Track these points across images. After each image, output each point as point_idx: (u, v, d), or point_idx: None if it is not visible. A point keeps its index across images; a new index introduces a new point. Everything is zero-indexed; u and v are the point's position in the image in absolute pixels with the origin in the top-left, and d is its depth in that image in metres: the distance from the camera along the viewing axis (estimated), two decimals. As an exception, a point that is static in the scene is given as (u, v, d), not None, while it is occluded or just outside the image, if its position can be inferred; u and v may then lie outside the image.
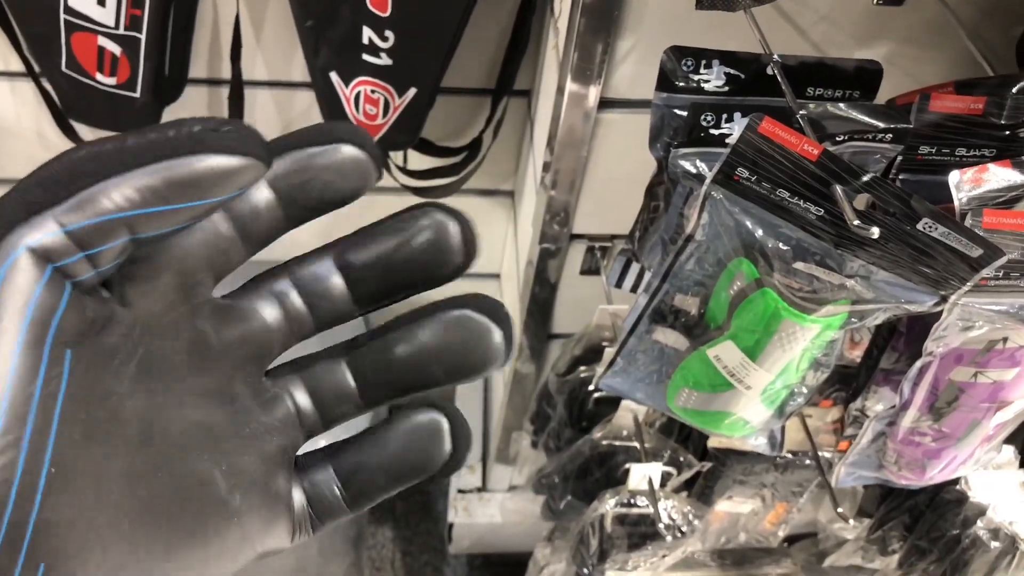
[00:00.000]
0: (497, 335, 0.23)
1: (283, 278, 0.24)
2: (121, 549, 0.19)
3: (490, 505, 1.28)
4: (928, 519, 0.78)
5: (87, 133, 1.00)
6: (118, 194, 0.18)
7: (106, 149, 0.18)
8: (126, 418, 0.20)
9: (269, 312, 0.23)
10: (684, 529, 0.74)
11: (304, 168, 0.21)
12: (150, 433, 0.20)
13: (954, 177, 0.47)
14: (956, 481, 0.75)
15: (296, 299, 0.23)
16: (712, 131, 0.52)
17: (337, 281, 0.23)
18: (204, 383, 0.22)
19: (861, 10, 0.72)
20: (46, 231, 0.17)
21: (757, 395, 0.56)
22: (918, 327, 0.58)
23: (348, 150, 0.22)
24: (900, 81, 0.75)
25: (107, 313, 0.20)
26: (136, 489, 0.20)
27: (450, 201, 1.15)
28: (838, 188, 0.45)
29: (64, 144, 1.01)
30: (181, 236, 0.21)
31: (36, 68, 0.95)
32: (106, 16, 0.85)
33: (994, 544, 0.73)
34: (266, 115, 1.07)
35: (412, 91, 0.89)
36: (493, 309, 0.23)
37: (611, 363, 0.62)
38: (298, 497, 0.24)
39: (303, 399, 0.24)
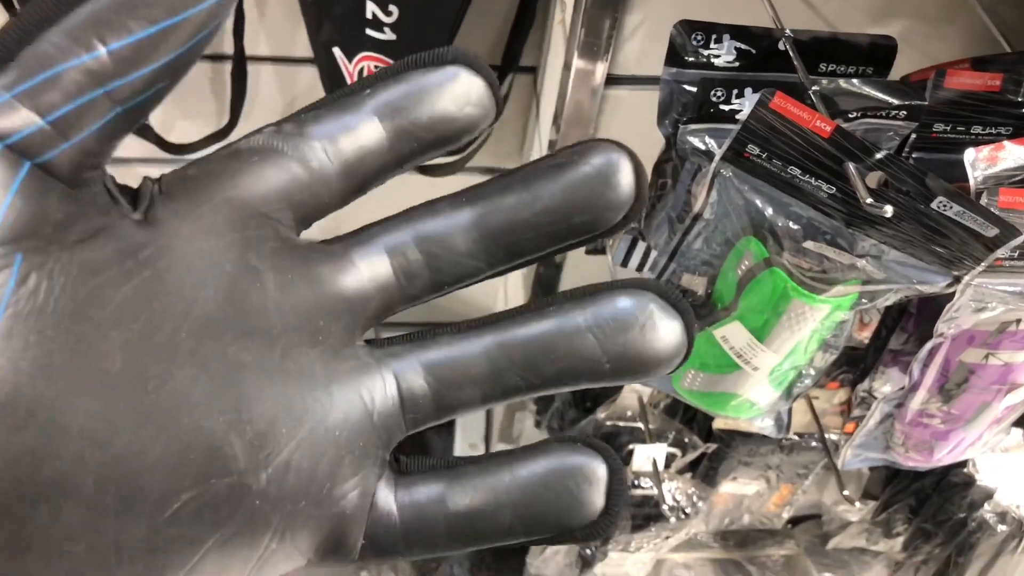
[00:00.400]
0: (675, 331, 0.19)
1: (400, 227, 0.19)
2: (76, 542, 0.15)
3: (493, 485, 1.28)
4: (934, 502, 0.77)
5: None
6: (65, 36, 0.15)
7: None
8: (104, 354, 0.15)
9: (372, 264, 0.19)
10: (688, 510, 0.73)
11: (417, 94, 0.18)
12: (139, 381, 0.16)
13: (969, 155, 0.46)
14: (963, 464, 0.75)
15: (413, 252, 0.19)
16: (722, 107, 0.51)
17: (468, 232, 0.19)
18: (244, 337, 0.17)
19: (874, -15, 0.71)
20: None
21: (764, 376, 0.56)
22: (929, 308, 0.57)
23: (467, 76, 0.18)
24: (914, 58, 0.73)
25: (99, 222, 0.16)
26: (106, 449, 0.15)
27: (454, 179, 1.14)
28: (851, 165, 0.44)
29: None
30: (250, 162, 0.18)
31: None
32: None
33: (1001, 527, 0.73)
34: (269, 91, 1.06)
35: (416, 67, 0.88)
36: (670, 295, 0.19)
37: (616, 343, 0.61)
38: (363, 512, 0.19)
39: (414, 378, 0.19)
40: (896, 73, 0.55)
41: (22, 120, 0.14)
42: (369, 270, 0.19)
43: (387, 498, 0.19)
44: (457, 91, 0.18)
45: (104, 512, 0.15)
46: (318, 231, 0.19)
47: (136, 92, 0.16)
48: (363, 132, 0.18)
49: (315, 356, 0.18)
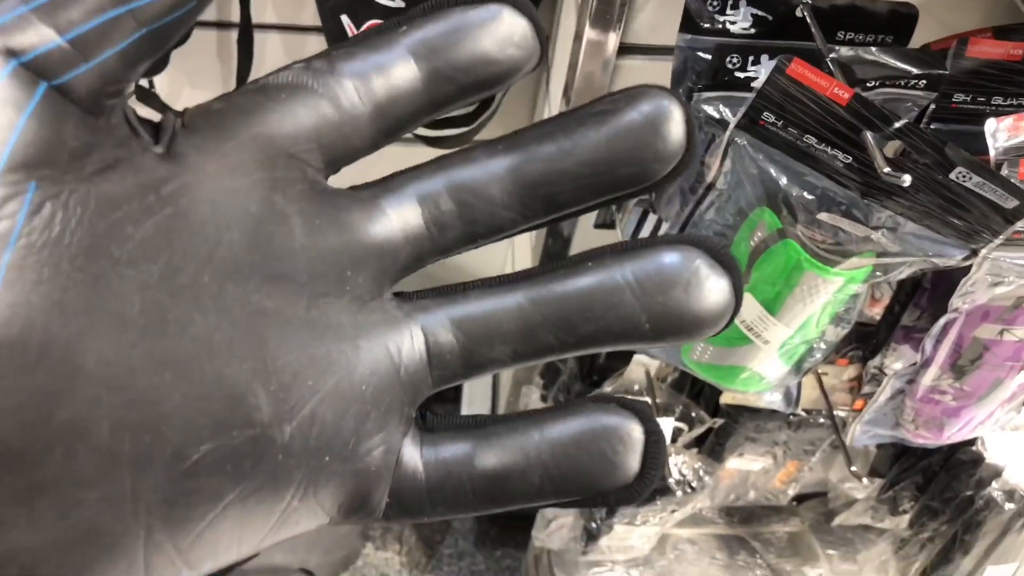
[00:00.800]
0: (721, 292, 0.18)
1: (432, 174, 0.18)
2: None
3: (498, 459, 1.28)
4: (942, 479, 0.77)
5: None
6: None
7: None
8: (122, 294, 0.15)
9: (403, 213, 0.18)
10: (694, 485, 0.73)
11: (456, 33, 0.17)
12: (158, 324, 0.15)
13: (990, 125, 0.45)
14: (972, 442, 0.74)
15: (446, 201, 0.18)
16: (737, 74, 0.50)
17: (505, 181, 0.18)
18: (269, 283, 0.16)
19: (893, -46, 0.69)
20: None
21: (774, 350, 0.55)
22: (944, 283, 0.56)
23: (510, 16, 0.17)
24: (935, 28, 0.72)
25: (119, 153, 0.15)
26: (123, 394, 0.15)
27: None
28: (868, 134, 0.43)
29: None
30: (278, 99, 0.17)
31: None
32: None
33: (1008, 505, 0.72)
34: (276, 60, 1.05)
35: (425, 35, 0.87)
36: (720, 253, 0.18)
37: (625, 315, 0.60)
38: (388, 470, 0.18)
39: (443, 333, 0.18)
40: (917, 42, 0.54)
41: (39, 36, 0.13)
42: (400, 219, 0.18)
43: (413, 456, 0.18)
44: (499, 31, 0.17)
45: (120, 460, 0.15)
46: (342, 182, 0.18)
47: (162, 12, 0.14)
48: (397, 72, 0.17)
49: (342, 307, 0.17)
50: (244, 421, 0.16)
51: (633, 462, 0.18)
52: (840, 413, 0.77)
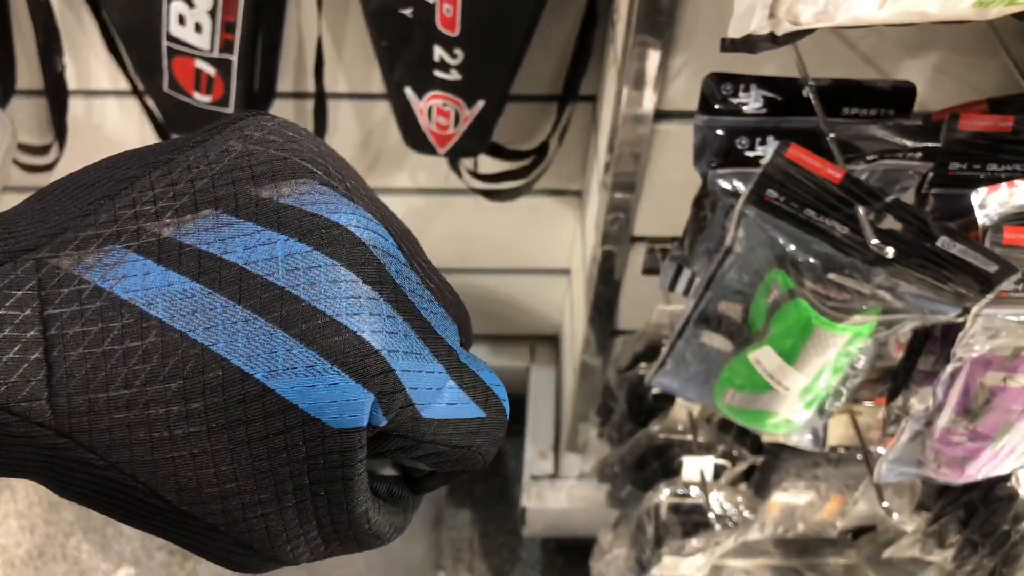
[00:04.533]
0: None
1: None
2: None
3: (561, 492, 1.34)
4: (981, 514, 0.80)
5: (186, 145, 1.09)
6: None
7: None
8: None
9: None
10: (735, 519, 0.77)
11: None
12: None
13: (977, 196, 0.50)
14: (1007, 478, 0.77)
15: None
16: (747, 153, 0.56)
17: None
18: None
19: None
20: None
21: (796, 396, 0.60)
22: (952, 332, 0.60)
23: None
24: (952, 88, 0.76)
25: None
26: None
27: (520, 201, 1.19)
28: (860, 209, 0.48)
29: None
30: None
31: (141, 88, 1.04)
32: (202, 42, 0.93)
33: (1044, 540, 0.75)
34: (347, 124, 1.14)
35: (481, 103, 0.95)
36: None
37: (661, 364, 0.66)
38: None
39: None
40: (934, 99, 0.58)
41: None
42: None
43: None
44: None
45: None
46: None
47: None
48: None
49: None
50: None
51: None
52: (880, 450, 0.81)
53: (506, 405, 0.26)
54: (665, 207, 0.91)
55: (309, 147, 0.23)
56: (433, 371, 0.24)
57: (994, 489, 0.79)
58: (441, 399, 0.24)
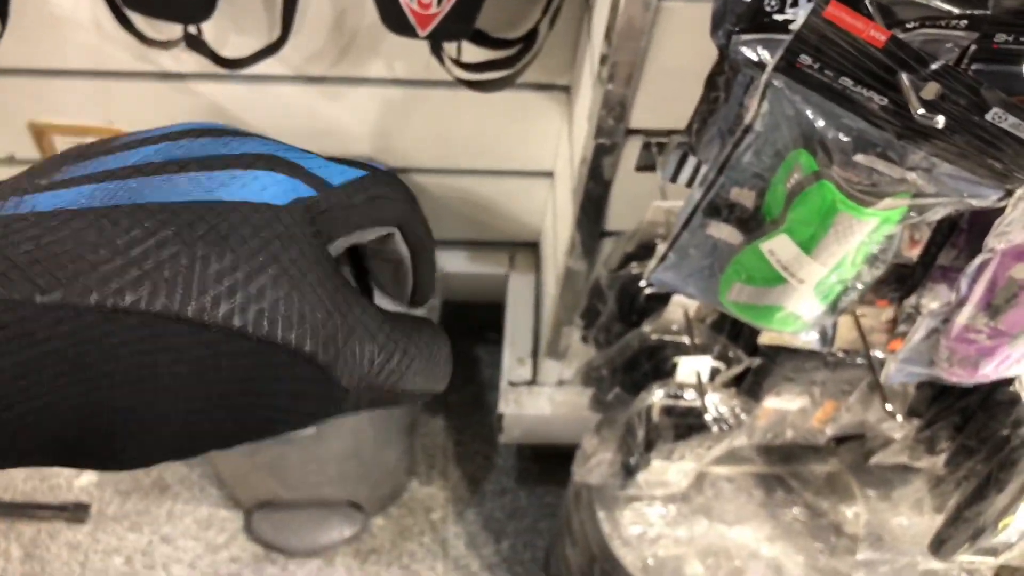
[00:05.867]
0: None
1: None
2: None
3: (540, 398, 1.31)
4: (979, 419, 0.78)
5: (142, 23, 1.01)
6: None
7: None
8: None
9: None
10: (730, 422, 0.75)
11: None
12: None
13: (1029, 67, 0.45)
14: (1009, 382, 0.75)
15: None
16: (776, 16, 0.50)
17: None
18: None
19: None
20: None
21: (810, 289, 0.56)
22: (980, 224, 0.57)
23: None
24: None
25: None
26: None
27: (503, 96, 1.13)
28: (904, 76, 0.43)
29: (119, 33, 1.02)
30: None
31: (93, -44, 0.95)
32: (160, -99, 0.84)
33: (1044, 445, 0.73)
34: (319, 4, 1.06)
35: (467, -21, 0.88)
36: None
37: (663, 257, 0.62)
38: None
39: None
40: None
41: None
42: None
43: None
44: None
45: None
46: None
47: None
48: None
49: None
50: None
51: None
52: (878, 354, 0.78)
53: None
54: (664, 97, 0.85)
55: None
56: None
57: (994, 394, 0.77)
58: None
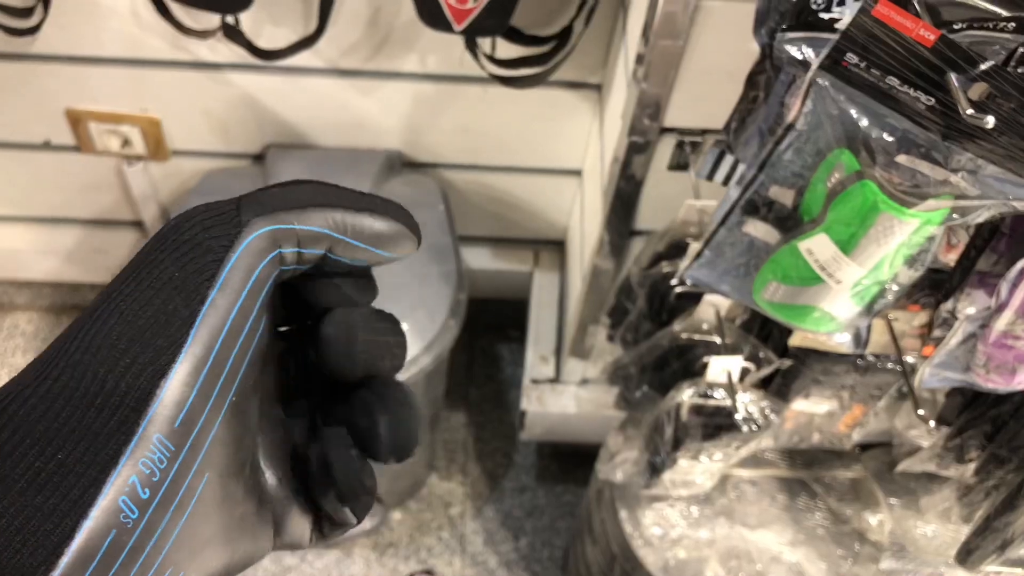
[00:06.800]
0: None
1: None
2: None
3: (563, 396, 1.31)
4: (1011, 428, 0.77)
5: (180, 12, 1.02)
6: (331, 218, 0.24)
7: (329, 188, 0.24)
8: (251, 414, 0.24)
9: None
10: (760, 423, 0.74)
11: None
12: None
13: (1080, 69, 0.45)
14: (1043, 391, 0.74)
15: None
16: (822, 15, 0.50)
17: None
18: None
19: None
20: (283, 223, 0.23)
21: (847, 290, 0.56)
22: (1022, 228, 0.56)
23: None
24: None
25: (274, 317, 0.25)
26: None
27: (534, 93, 1.13)
28: (953, 76, 0.43)
29: (157, 22, 1.03)
30: None
31: (135, -55, 0.96)
32: None
33: (1077, 456, 0.72)
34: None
35: (504, -25, 0.88)
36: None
37: (698, 255, 0.62)
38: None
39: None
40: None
41: (291, 241, 0.24)
42: None
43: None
44: None
45: None
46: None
47: (338, 262, 0.26)
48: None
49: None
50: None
51: None
52: (909, 359, 0.78)
53: None
54: (699, 96, 0.85)
55: None
56: None
57: (1026, 403, 0.76)
58: None
